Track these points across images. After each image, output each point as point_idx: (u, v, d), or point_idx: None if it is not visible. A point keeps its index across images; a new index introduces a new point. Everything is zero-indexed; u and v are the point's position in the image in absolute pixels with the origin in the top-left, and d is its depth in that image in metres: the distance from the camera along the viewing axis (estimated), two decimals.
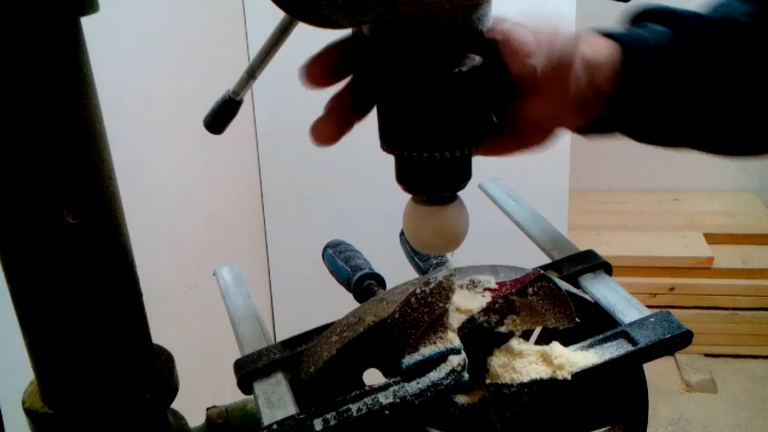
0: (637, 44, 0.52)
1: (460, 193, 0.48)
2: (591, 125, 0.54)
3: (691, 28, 0.53)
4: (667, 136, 0.56)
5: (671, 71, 0.52)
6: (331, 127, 0.48)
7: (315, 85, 0.47)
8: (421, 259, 0.68)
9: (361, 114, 0.49)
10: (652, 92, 0.52)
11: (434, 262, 0.68)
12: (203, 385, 1.42)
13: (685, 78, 0.52)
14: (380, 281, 0.65)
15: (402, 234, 0.67)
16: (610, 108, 0.52)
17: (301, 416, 0.45)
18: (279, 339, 0.55)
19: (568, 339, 0.48)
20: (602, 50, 0.51)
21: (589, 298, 0.54)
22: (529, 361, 0.47)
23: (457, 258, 0.58)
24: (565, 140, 1.76)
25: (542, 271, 0.47)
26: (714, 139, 0.56)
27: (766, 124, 0.54)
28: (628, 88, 0.51)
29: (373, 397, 0.46)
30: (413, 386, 0.46)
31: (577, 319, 0.47)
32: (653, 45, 0.52)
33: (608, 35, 0.52)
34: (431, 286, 0.46)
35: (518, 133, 0.51)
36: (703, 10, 0.55)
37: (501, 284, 0.48)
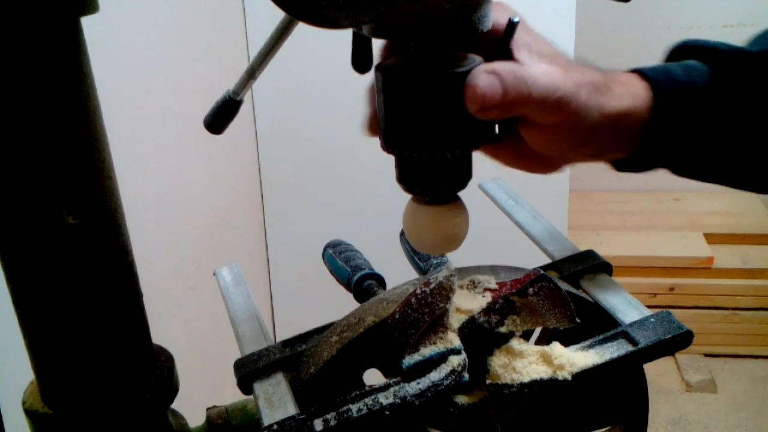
0: (669, 83, 0.50)
1: (460, 193, 0.48)
2: (625, 163, 0.53)
3: (730, 64, 0.51)
4: (707, 173, 0.54)
5: (707, 110, 0.50)
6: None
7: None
8: (421, 259, 0.68)
9: None
10: (686, 131, 0.50)
11: (434, 262, 0.68)
12: (203, 385, 1.42)
13: (721, 116, 0.50)
14: (380, 281, 0.65)
15: (402, 234, 0.67)
16: (642, 148, 0.51)
17: (302, 416, 0.45)
18: (279, 339, 0.55)
19: (568, 339, 0.48)
20: (632, 94, 0.50)
21: (589, 299, 0.54)
22: (529, 362, 0.47)
23: (457, 258, 0.58)
24: None
25: (542, 272, 0.47)
26: (757, 177, 0.55)
27: None
28: (659, 129, 0.50)
29: (373, 397, 0.46)
30: (413, 386, 0.46)
31: (577, 319, 0.47)
32: (687, 83, 0.50)
33: (640, 73, 0.51)
34: (431, 286, 0.46)
35: (521, 151, 0.50)
36: (744, 43, 0.54)
37: (501, 284, 0.48)
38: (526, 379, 0.46)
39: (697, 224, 2.59)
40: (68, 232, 0.39)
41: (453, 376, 0.46)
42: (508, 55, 0.44)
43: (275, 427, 0.45)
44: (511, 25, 0.44)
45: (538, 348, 0.47)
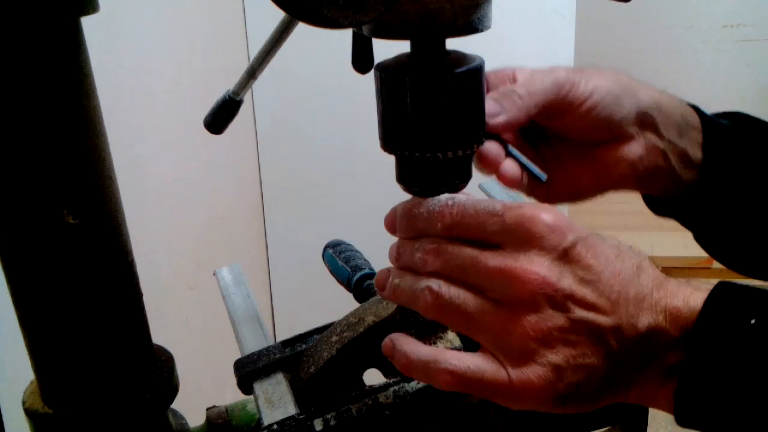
0: (715, 120, 0.54)
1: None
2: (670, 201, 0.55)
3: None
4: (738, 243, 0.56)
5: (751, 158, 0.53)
6: None
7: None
8: None
9: None
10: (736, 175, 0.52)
11: None
12: (203, 385, 1.42)
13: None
14: None
15: None
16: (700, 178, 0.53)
17: (302, 416, 0.45)
18: (279, 339, 0.55)
19: None
20: (692, 115, 0.53)
21: None
22: None
23: None
24: None
25: None
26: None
27: None
28: (716, 157, 0.53)
29: (373, 397, 0.46)
30: (413, 386, 0.46)
31: None
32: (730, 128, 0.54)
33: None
34: None
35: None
36: None
37: None
38: None
39: None
40: (68, 232, 0.39)
41: None
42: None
43: (275, 427, 0.45)
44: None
45: None
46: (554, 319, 0.37)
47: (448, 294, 0.39)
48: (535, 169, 0.48)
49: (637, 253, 0.41)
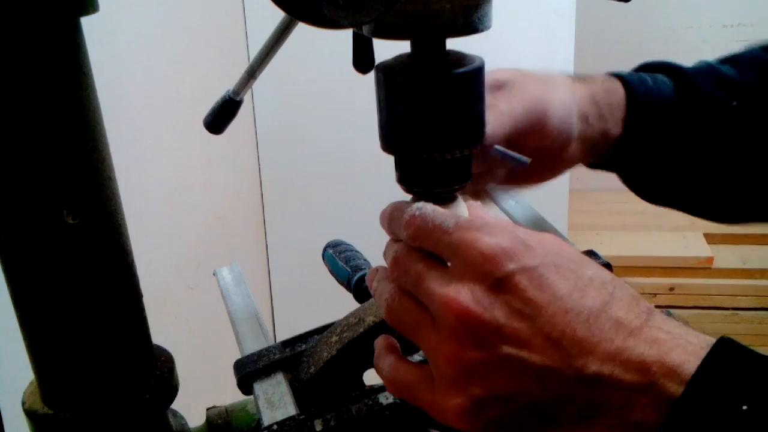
0: (643, 89, 0.57)
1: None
2: (596, 162, 0.61)
3: (691, 82, 0.59)
4: (662, 191, 0.62)
5: (672, 122, 0.57)
6: None
7: None
8: None
9: None
10: (653, 139, 0.57)
11: None
12: (203, 385, 1.42)
13: (684, 130, 0.57)
14: None
15: None
16: (616, 148, 0.58)
17: (302, 417, 0.45)
18: (279, 339, 0.55)
19: None
20: (616, 93, 0.57)
21: None
22: None
23: None
24: None
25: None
26: (706, 202, 0.61)
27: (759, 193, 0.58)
28: (633, 131, 0.56)
29: (373, 397, 0.46)
30: None
31: None
32: (657, 93, 0.57)
33: (616, 76, 0.58)
34: None
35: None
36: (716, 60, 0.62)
37: None
38: None
39: (697, 224, 2.58)
40: (68, 232, 0.39)
41: None
42: None
43: (275, 427, 0.45)
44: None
45: None
46: (476, 352, 0.35)
47: (397, 306, 0.40)
48: (519, 157, 0.49)
49: (612, 291, 0.36)
